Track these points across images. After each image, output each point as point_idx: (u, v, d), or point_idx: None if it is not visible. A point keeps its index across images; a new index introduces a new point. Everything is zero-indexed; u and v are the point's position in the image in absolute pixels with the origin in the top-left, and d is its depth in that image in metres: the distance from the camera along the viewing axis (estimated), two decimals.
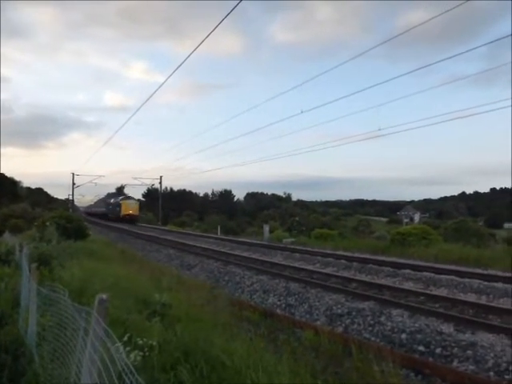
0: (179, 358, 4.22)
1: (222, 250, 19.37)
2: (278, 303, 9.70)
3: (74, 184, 55.58)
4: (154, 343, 4.17)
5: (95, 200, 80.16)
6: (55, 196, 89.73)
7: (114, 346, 2.12)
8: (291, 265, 14.18)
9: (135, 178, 56.21)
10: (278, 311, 9.08)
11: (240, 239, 26.58)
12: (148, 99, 29.02)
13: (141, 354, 3.77)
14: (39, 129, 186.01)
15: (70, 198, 61.61)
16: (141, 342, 4.02)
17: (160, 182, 57.18)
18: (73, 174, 54.97)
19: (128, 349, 3.65)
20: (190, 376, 3.73)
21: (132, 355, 3.62)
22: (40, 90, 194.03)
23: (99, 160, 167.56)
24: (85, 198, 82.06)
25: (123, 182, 74.10)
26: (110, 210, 55.73)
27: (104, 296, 2.56)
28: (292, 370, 4.46)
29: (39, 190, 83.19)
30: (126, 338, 3.79)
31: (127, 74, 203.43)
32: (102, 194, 73.75)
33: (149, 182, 59.03)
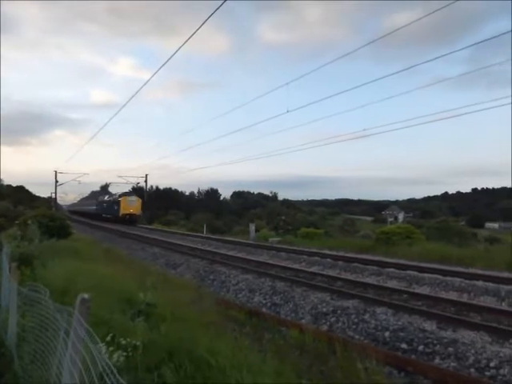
0: (164, 357, 4.19)
1: (208, 249, 19.31)
2: (264, 302, 9.71)
3: (57, 182, 54.64)
4: (138, 343, 4.12)
5: (81, 197, 78.49)
6: (37, 194, 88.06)
7: (95, 347, 2.09)
8: (277, 264, 14.22)
9: (120, 177, 55.33)
10: (264, 310, 9.09)
11: (226, 238, 26.52)
12: (133, 96, 28.63)
13: (124, 354, 3.73)
14: (23, 125, 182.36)
15: (53, 196, 60.62)
16: (124, 342, 3.97)
17: (145, 181, 56.57)
18: (55, 171, 54.03)
19: (111, 349, 3.61)
20: (174, 376, 3.70)
21: (115, 355, 3.57)
22: (25, 87, 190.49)
23: (84, 158, 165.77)
24: (68, 196, 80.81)
25: (108, 181, 73.09)
26: (105, 208, 49.13)
27: (86, 296, 2.52)
28: (277, 369, 4.48)
29: (21, 188, 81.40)
30: (109, 338, 3.74)
31: (114, 70, 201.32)
32: (86, 192, 72.59)
33: (134, 180, 58.03)
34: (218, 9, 8.01)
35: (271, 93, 60.36)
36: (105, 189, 69.84)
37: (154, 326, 5.44)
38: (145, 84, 28.11)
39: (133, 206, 43.82)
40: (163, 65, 14.15)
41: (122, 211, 42.98)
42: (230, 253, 17.89)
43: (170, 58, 13.32)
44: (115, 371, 1.71)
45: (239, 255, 17.08)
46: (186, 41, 11.48)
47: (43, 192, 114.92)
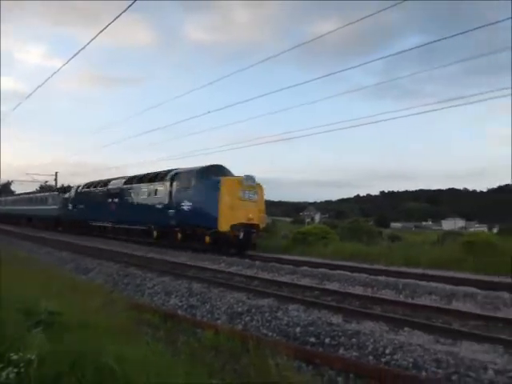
0: (64, 370, 3.89)
1: (124, 251, 18.45)
2: (180, 304, 9.55)
3: None
4: (33, 357, 3.78)
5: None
6: None
7: None
8: (196, 265, 14.10)
9: (28, 174, 49.99)
10: (180, 312, 8.94)
11: (146, 240, 25.52)
12: (40, 86, 25.95)
13: (15, 370, 3.40)
14: None
15: None
16: (16, 356, 3.61)
17: (55, 179, 52.21)
18: None
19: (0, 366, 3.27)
20: None
21: (4, 373, 3.25)
22: None
23: None
24: None
25: (12, 178, 65.77)
26: (127, 210, 24.23)
27: None
28: (188, 371, 4.42)
29: None
30: None
31: (23, 57, 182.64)
32: None
33: (42, 178, 52.70)
34: (133, 2, 7.71)
35: (195, 92, 59.86)
36: (6, 187, 62.89)
37: (56, 336, 5.03)
38: (54, 73, 25.60)
39: (252, 203, 18.35)
40: (76, 54, 13.32)
41: (228, 219, 17.16)
42: (149, 255, 17.31)
43: (83, 48, 12.61)
44: None
45: (157, 257, 16.61)
46: (102, 30, 10.97)
47: None
